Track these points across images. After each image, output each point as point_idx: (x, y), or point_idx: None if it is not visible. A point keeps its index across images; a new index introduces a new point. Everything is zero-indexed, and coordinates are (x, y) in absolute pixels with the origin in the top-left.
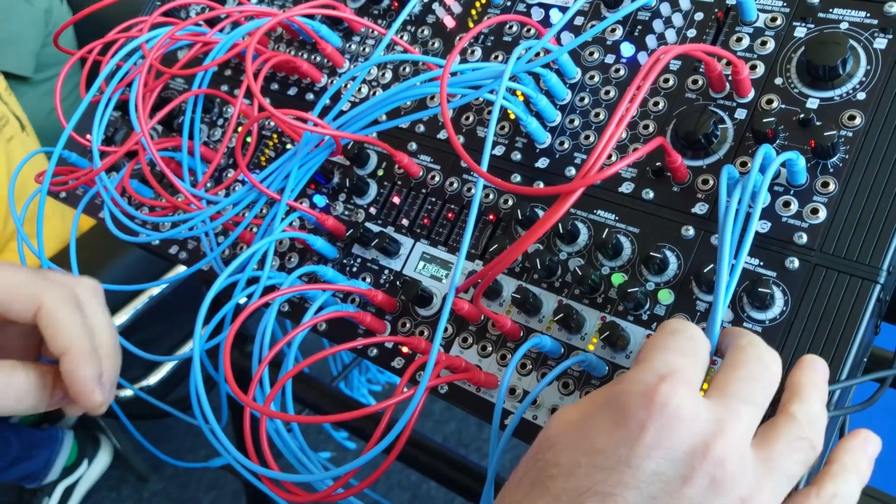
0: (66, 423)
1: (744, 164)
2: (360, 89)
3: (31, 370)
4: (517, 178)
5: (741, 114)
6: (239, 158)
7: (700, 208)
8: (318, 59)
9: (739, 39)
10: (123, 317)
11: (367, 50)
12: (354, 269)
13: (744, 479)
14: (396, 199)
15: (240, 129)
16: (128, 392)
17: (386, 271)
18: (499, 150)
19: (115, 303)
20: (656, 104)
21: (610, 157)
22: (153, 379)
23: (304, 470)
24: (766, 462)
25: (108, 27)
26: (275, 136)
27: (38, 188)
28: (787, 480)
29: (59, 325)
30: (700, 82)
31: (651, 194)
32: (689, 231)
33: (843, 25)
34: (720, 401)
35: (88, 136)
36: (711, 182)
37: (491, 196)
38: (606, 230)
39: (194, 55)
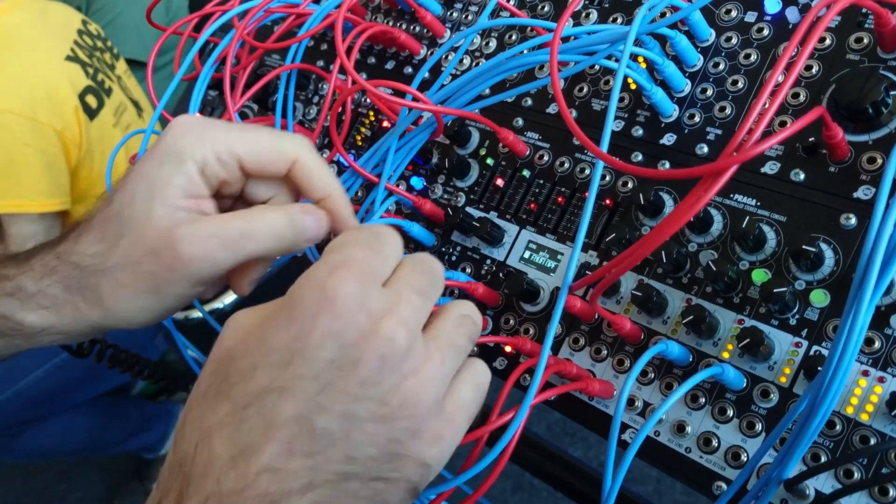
0: (181, 399)
1: None
2: (462, 61)
3: (282, 211)
4: (638, 156)
5: None
6: (335, 137)
7: (864, 192)
8: (418, 29)
9: None
10: (229, 298)
11: (470, 17)
12: (454, 259)
13: (413, 354)
14: (500, 182)
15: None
16: None
17: (488, 261)
18: (617, 125)
19: None
20: (808, 68)
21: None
22: None
23: None
24: (435, 339)
25: None
26: (371, 113)
27: None
28: (456, 352)
29: (318, 173)
30: (866, 41)
31: (802, 176)
32: (851, 220)
33: None
34: (392, 289)
35: None
36: (880, 161)
37: (608, 178)
38: (746, 218)
39: (288, 28)
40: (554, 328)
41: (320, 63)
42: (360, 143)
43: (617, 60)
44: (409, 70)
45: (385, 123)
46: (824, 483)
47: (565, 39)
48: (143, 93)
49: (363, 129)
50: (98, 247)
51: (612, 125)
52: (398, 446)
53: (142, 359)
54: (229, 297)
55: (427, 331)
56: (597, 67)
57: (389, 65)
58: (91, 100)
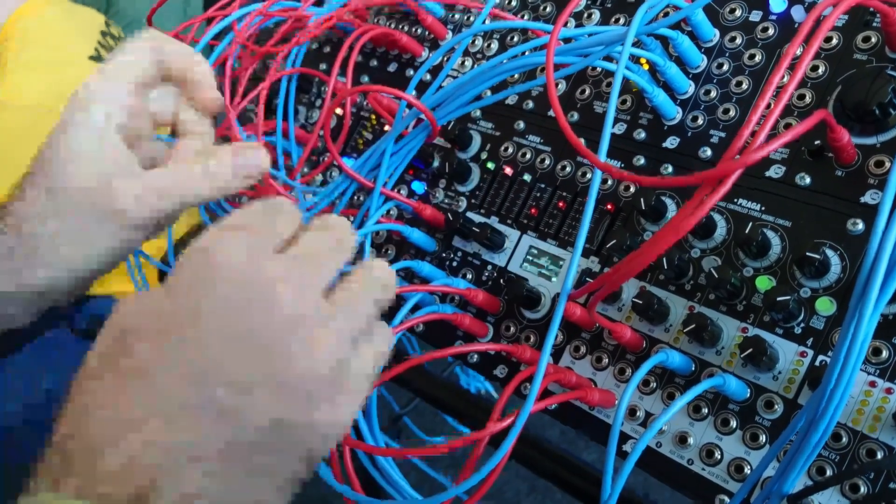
0: None
1: None
2: (463, 63)
3: (217, 156)
4: (640, 160)
5: None
6: (329, 143)
7: (872, 197)
8: (420, 31)
9: None
10: None
11: (472, 19)
12: (455, 264)
13: (308, 321)
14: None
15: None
16: None
17: (489, 267)
18: (619, 128)
19: None
20: (815, 69)
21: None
22: None
23: (396, 494)
24: (337, 304)
25: None
26: (373, 117)
27: None
28: (358, 318)
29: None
30: (873, 40)
31: (807, 179)
32: (858, 225)
33: None
34: (287, 254)
35: None
36: (888, 164)
37: (609, 182)
38: (750, 224)
39: (287, 31)
40: (552, 336)
41: (323, 66)
42: (361, 147)
43: (617, 62)
44: (410, 72)
45: (387, 127)
46: (830, 498)
47: (566, 41)
48: None
49: (365, 133)
50: (31, 207)
51: (610, 130)
52: (292, 416)
53: None
54: None
55: (330, 295)
56: (599, 69)
57: (392, 67)
58: None
